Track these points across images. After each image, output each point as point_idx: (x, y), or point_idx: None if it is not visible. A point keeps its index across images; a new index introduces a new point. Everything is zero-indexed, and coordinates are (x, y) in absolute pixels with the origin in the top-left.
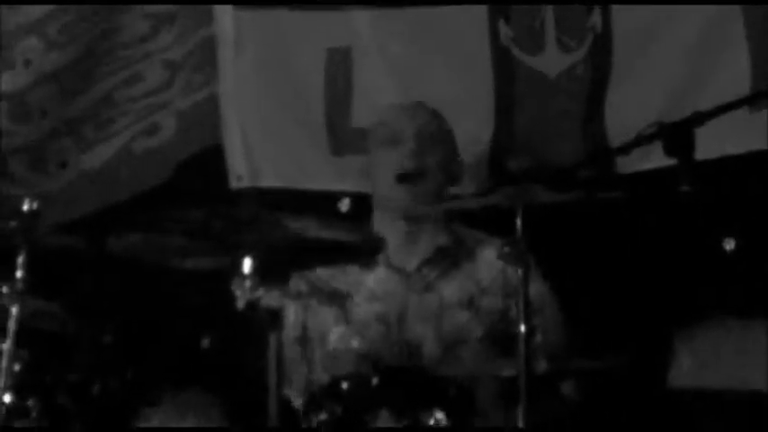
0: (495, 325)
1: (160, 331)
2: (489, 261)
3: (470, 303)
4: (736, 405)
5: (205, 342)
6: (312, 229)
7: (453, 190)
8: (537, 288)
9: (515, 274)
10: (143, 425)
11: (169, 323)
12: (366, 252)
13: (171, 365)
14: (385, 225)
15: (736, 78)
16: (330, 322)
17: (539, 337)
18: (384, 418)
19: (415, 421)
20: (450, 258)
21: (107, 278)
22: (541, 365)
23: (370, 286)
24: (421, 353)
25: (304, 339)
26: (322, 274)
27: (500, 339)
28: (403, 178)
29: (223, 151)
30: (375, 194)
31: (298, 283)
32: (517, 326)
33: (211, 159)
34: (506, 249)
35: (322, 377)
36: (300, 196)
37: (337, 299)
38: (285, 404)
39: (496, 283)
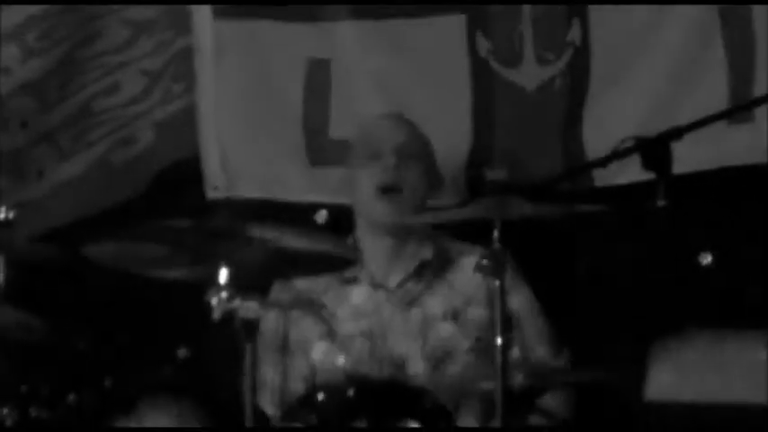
0: (482, 335)
1: (136, 341)
2: (471, 269)
3: (455, 315)
4: (715, 418)
5: (181, 352)
6: (288, 239)
7: (432, 202)
8: (523, 297)
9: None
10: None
11: (145, 333)
12: (341, 262)
13: (147, 375)
14: (368, 239)
15: (714, 93)
16: (314, 335)
17: (515, 351)
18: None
19: None
20: (431, 271)
21: (83, 288)
22: (518, 379)
23: (353, 303)
24: (406, 370)
25: (284, 348)
26: (305, 287)
27: (487, 350)
28: (384, 192)
29: (200, 161)
30: (357, 208)
31: (281, 290)
32: (494, 338)
33: (188, 169)
34: (484, 262)
35: (298, 387)
36: (277, 207)
37: (315, 307)
38: (260, 414)
39: (480, 292)
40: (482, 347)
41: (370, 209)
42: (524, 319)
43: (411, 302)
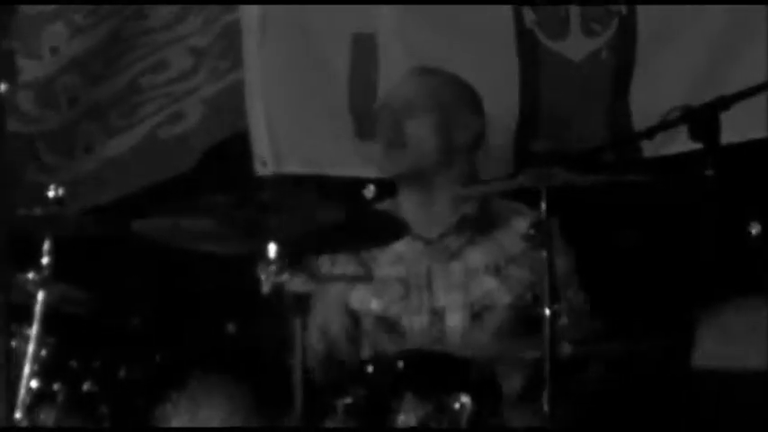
0: (522, 295)
1: (186, 316)
2: (519, 231)
3: (497, 270)
4: (762, 385)
5: (230, 327)
6: (337, 214)
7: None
8: (566, 264)
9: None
10: (170, 410)
11: (195, 308)
12: (391, 237)
13: (196, 350)
14: (405, 196)
15: (758, 65)
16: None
17: (564, 320)
18: (409, 402)
19: (440, 405)
20: (474, 226)
21: (133, 263)
22: (566, 349)
23: (394, 250)
24: (445, 321)
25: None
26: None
27: (526, 312)
28: (387, 146)
29: (248, 137)
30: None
31: (325, 262)
32: (542, 308)
33: (236, 145)
34: (531, 232)
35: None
36: (325, 182)
37: (362, 280)
38: (310, 388)
39: (524, 254)
40: (522, 305)
41: (379, 165)
42: (566, 285)
43: (452, 256)
